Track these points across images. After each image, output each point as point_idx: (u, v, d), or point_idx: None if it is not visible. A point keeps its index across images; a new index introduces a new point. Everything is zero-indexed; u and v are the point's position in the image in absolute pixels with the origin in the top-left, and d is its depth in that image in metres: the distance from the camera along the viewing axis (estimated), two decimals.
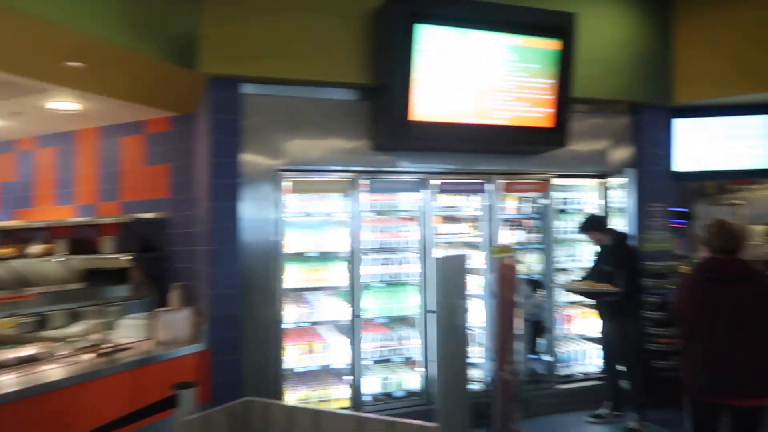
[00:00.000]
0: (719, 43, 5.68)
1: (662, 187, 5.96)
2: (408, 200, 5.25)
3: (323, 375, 5.03)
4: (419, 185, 5.17)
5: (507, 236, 5.53)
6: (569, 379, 5.68)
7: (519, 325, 4.23)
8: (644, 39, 5.80)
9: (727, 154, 6.08)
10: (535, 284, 5.00)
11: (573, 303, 5.77)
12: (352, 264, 4.95)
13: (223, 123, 4.52)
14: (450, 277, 4.27)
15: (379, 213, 5.23)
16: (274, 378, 4.69)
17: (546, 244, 5.62)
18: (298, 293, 5.02)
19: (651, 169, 5.89)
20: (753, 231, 8.29)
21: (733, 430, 3.28)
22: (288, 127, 4.78)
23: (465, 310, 4.25)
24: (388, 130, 4.71)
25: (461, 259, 4.40)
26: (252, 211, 4.66)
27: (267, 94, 4.73)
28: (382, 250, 5.16)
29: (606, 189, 5.93)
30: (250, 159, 4.66)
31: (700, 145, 6.09)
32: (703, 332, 3.23)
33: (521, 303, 4.60)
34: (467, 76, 4.71)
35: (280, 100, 4.77)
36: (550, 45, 4.89)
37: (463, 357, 4.37)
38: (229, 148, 4.53)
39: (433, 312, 4.78)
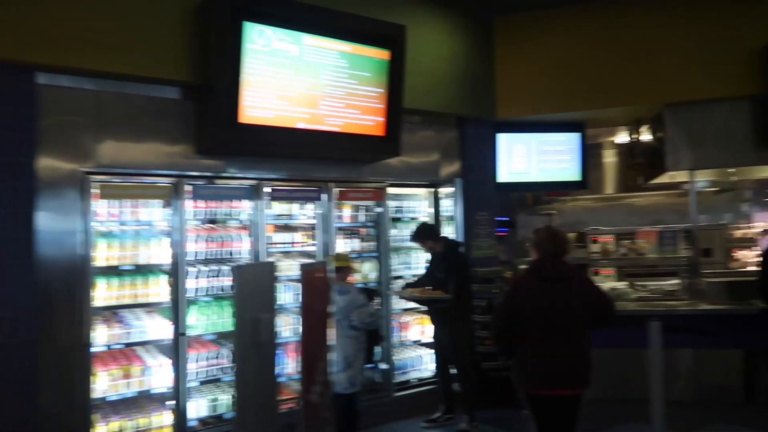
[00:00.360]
0: (532, 66, 6.20)
1: (488, 197, 6.33)
2: (239, 208, 4.97)
3: (143, 401, 4.52)
4: (251, 192, 4.92)
5: (343, 245, 5.47)
6: (406, 385, 5.75)
7: (332, 339, 4.01)
8: (470, 57, 6.15)
9: (542, 168, 6.64)
10: (370, 293, 4.97)
11: (408, 310, 5.87)
12: (176, 277, 4.54)
13: (11, 117, 3.88)
14: (252, 289, 3.77)
15: (207, 222, 4.89)
16: (81, 410, 4.11)
17: (381, 252, 5.66)
18: (113, 312, 4.48)
19: (477, 179, 6.23)
20: None
21: (560, 418, 3.49)
22: (99, 125, 4.26)
23: (271, 325, 3.82)
24: (215, 132, 4.41)
25: (268, 267, 4.03)
26: (53, 219, 4.06)
27: (72, 87, 4.18)
28: (210, 261, 4.81)
29: (437, 198, 6.15)
30: (49, 160, 4.07)
31: (520, 158, 6.58)
32: (538, 328, 3.41)
33: (361, 312, 4.52)
34: (299, 79, 4.59)
35: (89, 94, 4.24)
36: (380, 54, 4.95)
37: (271, 377, 3.91)
38: (19, 147, 3.89)
39: None
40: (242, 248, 4.92)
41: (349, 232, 5.59)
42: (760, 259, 5.43)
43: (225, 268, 4.81)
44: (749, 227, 8.46)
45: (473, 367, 5.44)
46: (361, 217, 5.65)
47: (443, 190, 6.11)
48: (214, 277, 4.76)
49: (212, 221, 4.91)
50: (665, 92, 5.91)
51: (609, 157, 8.85)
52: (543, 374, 3.43)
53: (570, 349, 3.43)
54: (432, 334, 5.51)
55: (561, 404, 3.47)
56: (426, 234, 5.35)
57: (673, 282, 6.44)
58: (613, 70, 5.99)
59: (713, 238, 8.12)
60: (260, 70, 4.40)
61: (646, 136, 6.89)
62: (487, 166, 6.38)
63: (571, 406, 3.48)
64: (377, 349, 5.25)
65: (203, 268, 4.74)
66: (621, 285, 6.40)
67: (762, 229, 8.34)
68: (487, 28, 6.32)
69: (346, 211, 5.58)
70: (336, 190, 5.32)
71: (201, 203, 4.77)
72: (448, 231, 6.01)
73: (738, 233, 8.36)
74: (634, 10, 5.95)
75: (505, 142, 6.51)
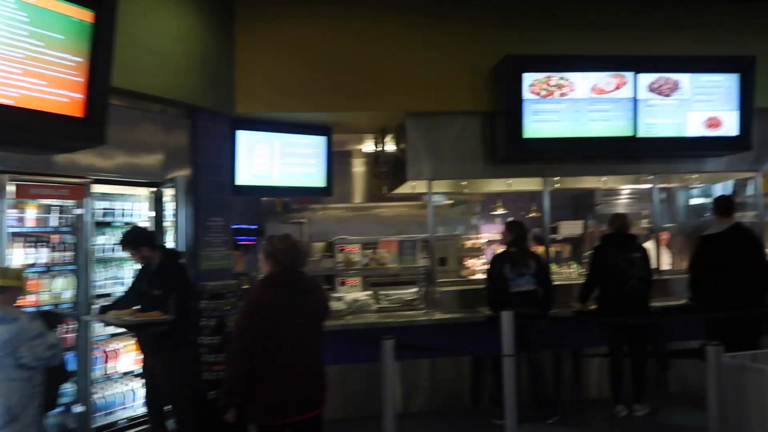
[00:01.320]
0: (277, 59, 5.67)
1: (223, 201, 5.58)
2: None
3: None
4: None
5: (23, 255, 4.21)
6: (111, 428, 4.67)
7: None
8: (206, 39, 5.35)
9: (286, 171, 6.12)
10: (52, 318, 3.83)
11: (118, 335, 4.80)
12: None
13: None
14: None
15: None
16: None
17: (80, 265, 4.51)
18: None
19: (211, 180, 5.44)
20: (314, 247, 8.95)
21: None
22: None
23: None
24: None
25: None
26: None
27: None
28: None
29: (161, 200, 5.19)
30: None
31: (261, 159, 5.97)
32: (279, 348, 3.09)
33: (34, 345, 3.40)
34: None
35: None
36: (78, 14, 3.88)
37: None
38: None
39: None
40: None
41: (34, 239, 4.33)
42: (487, 267, 5.70)
43: None
44: (478, 238, 9.21)
45: (199, 399, 4.65)
46: (54, 220, 4.43)
47: (168, 191, 5.18)
48: None
49: None
50: (408, 101, 5.89)
51: (358, 166, 8.85)
52: (289, 399, 3.11)
53: (313, 368, 3.24)
54: (143, 364, 4.54)
55: (305, 429, 3.22)
56: (139, 239, 4.37)
57: (412, 291, 6.48)
58: (360, 73, 5.77)
59: (448, 247, 8.65)
60: None
61: (390, 145, 6.88)
62: (223, 166, 5.62)
63: (315, 428, 3.29)
64: (66, 389, 4.13)
65: None
66: (363, 296, 6.23)
67: (488, 240, 9.15)
68: (227, 8, 5.60)
69: (31, 212, 4.32)
70: (12, 184, 4.05)
71: None
72: (174, 238, 5.11)
73: (468, 243, 9.05)
74: (382, 15, 5.83)
75: (245, 140, 5.84)
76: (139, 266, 4.53)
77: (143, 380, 4.59)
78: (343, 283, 7.79)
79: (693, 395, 5.75)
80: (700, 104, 5.84)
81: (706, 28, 6.15)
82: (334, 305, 5.92)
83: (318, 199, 8.37)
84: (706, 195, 8.79)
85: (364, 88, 5.78)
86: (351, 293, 6.59)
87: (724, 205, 5.48)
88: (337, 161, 8.49)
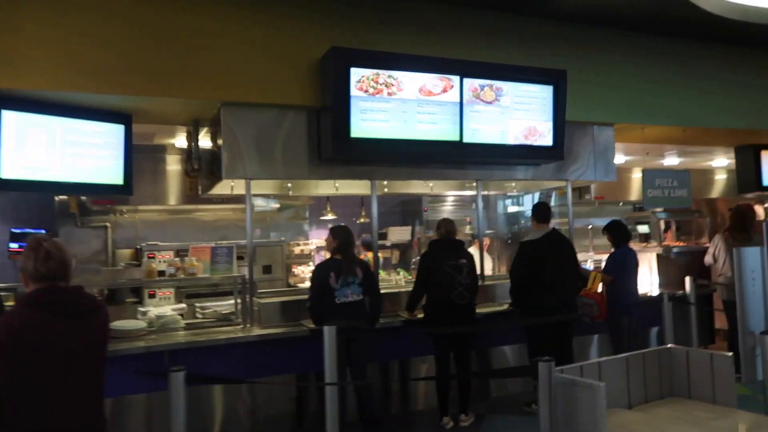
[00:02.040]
0: (55, 25, 4.53)
1: None
2: None
3: None
4: None
5: None
6: None
7: None
8: None
9: (71, 164, 5.03)
10: None
11: None
12: None
13: None
14: None
15: None
16: None
17: None
18: None
19: None
20: (120, 255, 7.87)
21: None
22: None
23: None
24: None
25: None
26: None
27: None
28: None
29: None
30: None
31: (37, 148, 4.84)
32: (46, 385, 2.49)
33: None
34: None
35: None
36: None
37: None
38: None
39: None
40: None
41: None
42: (310, 277, 5.25)
43: None
44: (307, 243, 8.78)
45: None
46: None
47: None
48: None
49: None
50: (224, 90, 5.14)
51: (173, 164, 7.94)
52: None
53: (90, 408, 2.62)
54: None
55: None
56: None
57: (230, 303, 5.79)
58: (166, 51, 4.90)
59: (275, 254, 8.11)
60: None
61: (206, 140, 6.11)
62: None
63: None
64: None
65: None
66: (169, 311, 5.40)
67: (317, 246, 8.75)
68: None
69: None
70: None
71: None
72: None
73: (297, 249, 8.58)
74: None
75: (12, 122, 4.66)
76: None
77: None
78: (152, 296, 6.90)
79: (512, 400, 5.88)
80: (519, 113, 5.95)
81: (526, 40, 6.33)
82: (132, 323, 5.05)
83: (122, 199, 7.32)
84: (518, 203, 9.34)
85: (171, 69, 4.94)
86: (159, 307, 5.71)
87: (542, 212, 5.64)
88: (148, 157, 7.52)
